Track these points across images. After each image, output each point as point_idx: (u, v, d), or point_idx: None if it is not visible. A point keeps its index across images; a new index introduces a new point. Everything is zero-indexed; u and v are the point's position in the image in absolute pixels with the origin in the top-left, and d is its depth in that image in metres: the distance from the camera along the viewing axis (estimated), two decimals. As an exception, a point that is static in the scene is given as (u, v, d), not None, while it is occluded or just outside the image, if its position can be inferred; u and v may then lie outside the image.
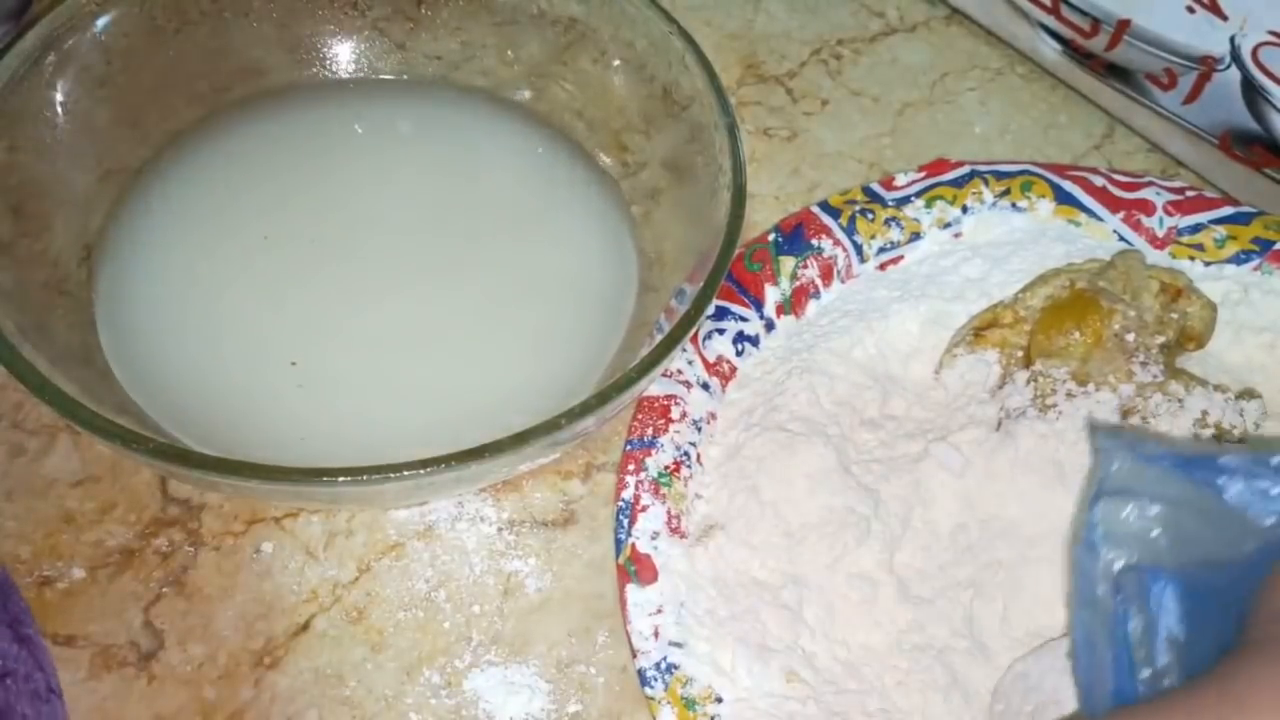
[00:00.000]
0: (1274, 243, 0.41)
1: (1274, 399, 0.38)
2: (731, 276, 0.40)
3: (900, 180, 0.43)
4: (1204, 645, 0.26)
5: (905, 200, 0.42)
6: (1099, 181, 0.43)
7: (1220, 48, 0.42)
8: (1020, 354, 0.38)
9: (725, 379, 0.39)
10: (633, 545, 0.35)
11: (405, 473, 0.29)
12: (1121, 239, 0.42)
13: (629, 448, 0.36)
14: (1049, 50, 0.49)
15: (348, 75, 0.43)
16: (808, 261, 0.41)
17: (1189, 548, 0.27)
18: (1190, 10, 0.42)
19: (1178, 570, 0.27)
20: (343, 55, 0.43)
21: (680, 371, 0.38)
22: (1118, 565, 0.28)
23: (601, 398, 0.31)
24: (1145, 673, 0.26)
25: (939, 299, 0.40)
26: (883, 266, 0.42)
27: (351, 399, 0.36)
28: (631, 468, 0.36)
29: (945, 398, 0.38)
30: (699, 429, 0.37)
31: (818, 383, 0.38)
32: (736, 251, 0.34)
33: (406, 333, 0.38)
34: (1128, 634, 0.27)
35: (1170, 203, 0.42)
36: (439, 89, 0.44)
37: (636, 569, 0.34)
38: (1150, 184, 0.43)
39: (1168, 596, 0.26)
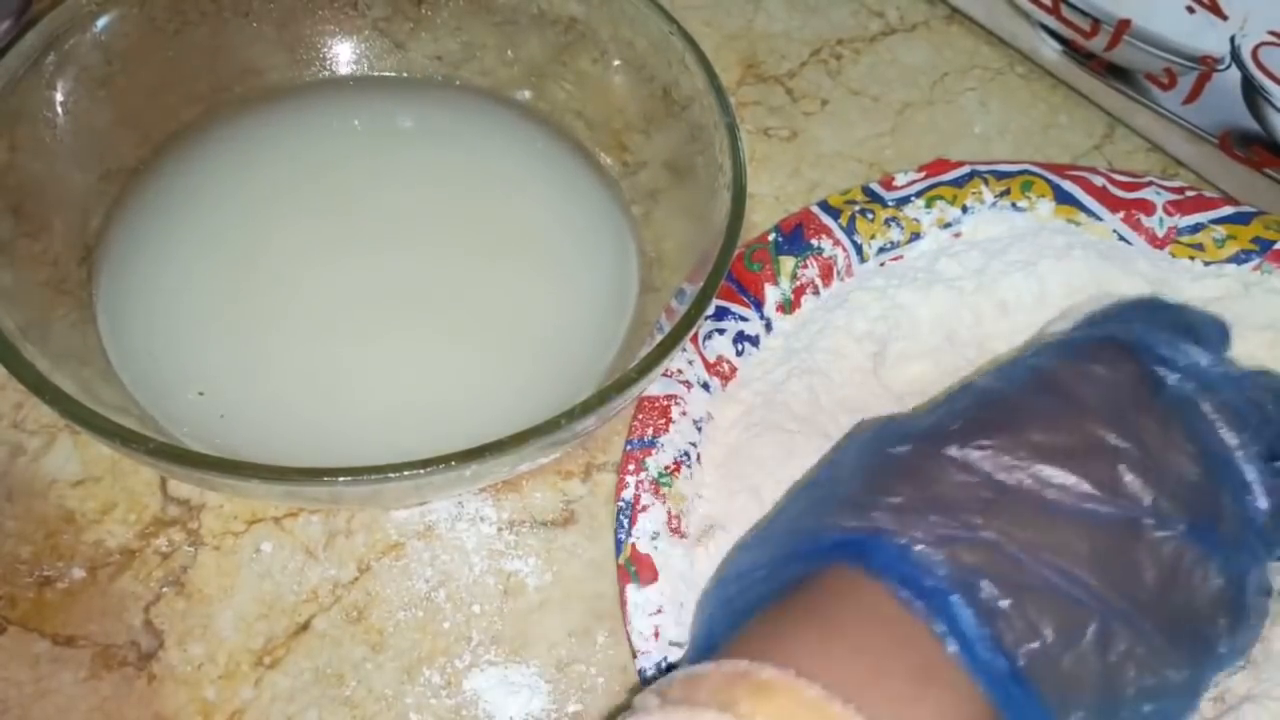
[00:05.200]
0: (1274, 242, 0.41)
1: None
2: (731, 276, 0.40)
3: (900, 180, 0.43)
4: None
5: (905, 200, 0.42)
6: (1099, 181, 0.43)
7: (1220, 48, 0.42)
8: None
9: (725, 379, 0.39)
10: (633, 545, 0.35)
11: (405, 473, 0.29)
12: (1121, 238, 0.42)
13: (629, 448, 0.36)
14: (1049, 50, 0.49)
15: (348, 74, 0.43)
16: (808, 261, 0.41)
17: None
18: (1190, 10, 0.42)
19: None
20: (343, 55, 0.43)
21: (680, 371, 0.38)
22: None
23: (601, 398, 0.31)
24: None
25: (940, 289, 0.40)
26: (882, 266, 0.42)
27: (351, 397, 0.36)
28: (631, 468, 0.36)
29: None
30: (699, 429, 0.37)
31: (817, 383, 0.38)
32: (736, 251, 0.34)
33: (405, 332, 0.38)
34: None
35: (1170, 202, 0.42)
36: (439, 89, 0.44)
37: (637, 569, 0.34)
38: (1150, 184, 0.43)
39: None
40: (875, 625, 0.25)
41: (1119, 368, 0.28)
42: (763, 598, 0.28)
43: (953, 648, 0.25)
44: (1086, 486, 0.26)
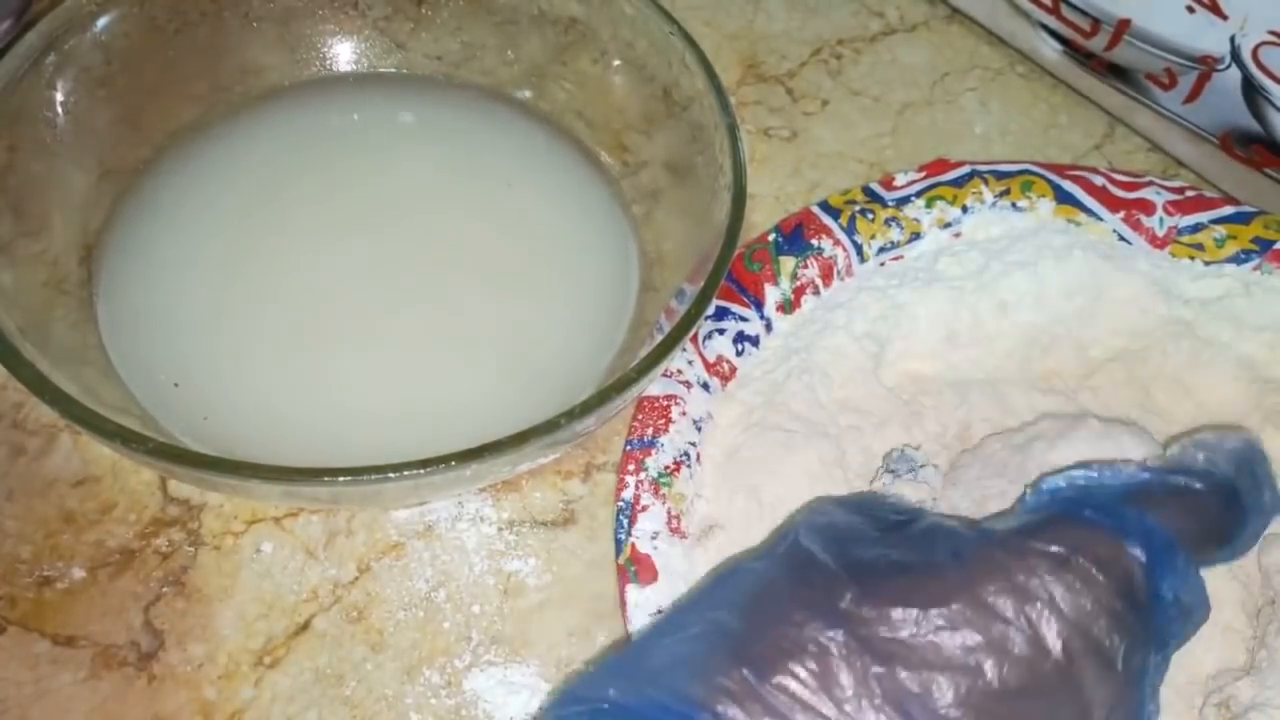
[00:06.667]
0: (1274, 242, 0.41)
1: (1275, 395, 0.38)
2: (731, 276, 0.40)
3: (900, 180, 0.43)
4: None
5: (905, 200, 0.42)
6: (1099, 181, 0.43)
7: (1220, 47, 0.42)
8: None
9: (725, 379, 0.39)
10: (633, 545, 0.35)
11: (405, 473, 0.29)
12: (1121, 238, 0.42)
13: (629, 448, 0.36)
14: (1049, 50, 0.49)
15: (348, 73, 0.43)
16: (808, 261, 0.41)
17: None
18: (1190, 10, 0.42)
19: None
20: (343, 55, 0.43)
21: (680, 371, 0.38)
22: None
23: (601, 398, 0.31)
24: None
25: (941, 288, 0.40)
26: (882, 266, 0.42)
27: (352, 397, 0.36)
28: (631, 468, 0.36)
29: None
30: (699, 429, 0.37)
31: (817, 382, 0.38)
32: (736, 251, 0.34)
33: (406, 332, 0.38)
34: None
35: (1170, 202, 0.42)
36: (439, 87, 0.44)
37: (636, 569, 0.34)
38: (1150, 184, 0.43)
39: None
40: None
41: (1104, 605, 0.25)
42: None
43: None
44: None
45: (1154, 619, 0.26)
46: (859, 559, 0.26)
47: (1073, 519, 0.26)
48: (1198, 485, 0.28)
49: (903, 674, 0.24)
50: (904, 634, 0.24)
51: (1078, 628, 0.24)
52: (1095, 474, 0.27)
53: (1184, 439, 0.30)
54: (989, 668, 0.24)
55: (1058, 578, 0.25)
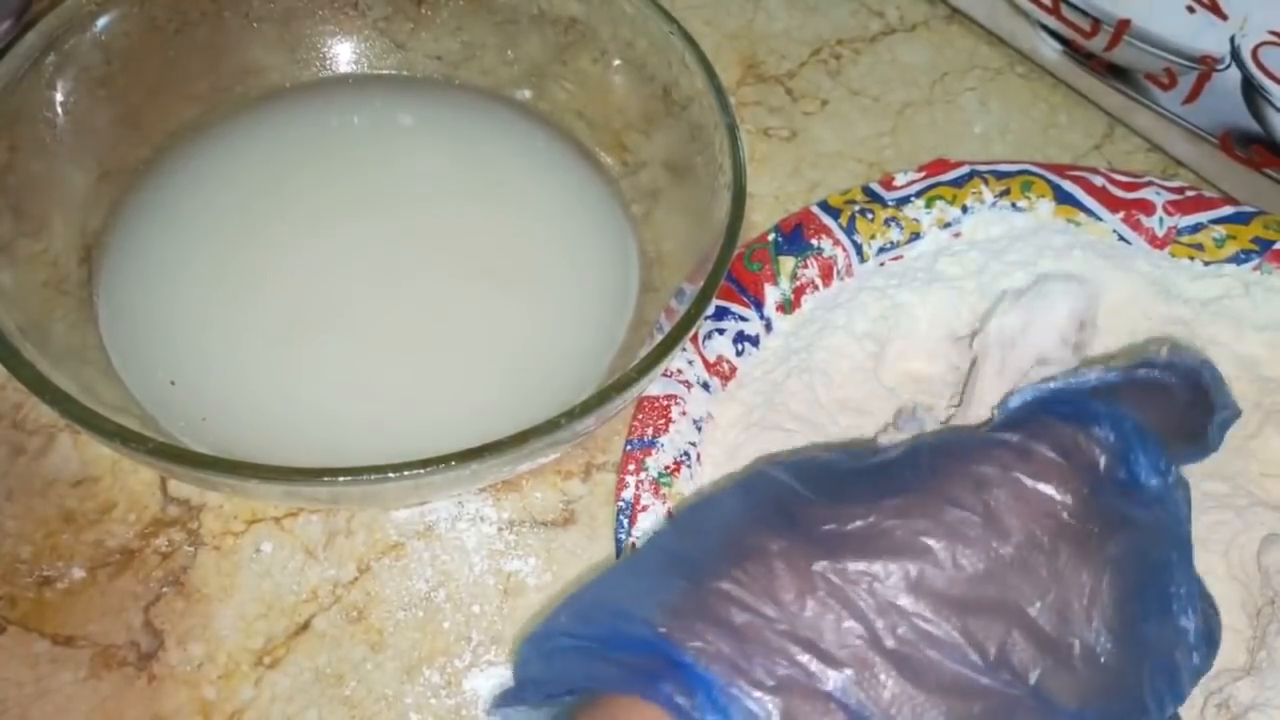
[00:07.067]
0: (1273, 242, 0.41)
1: (1275, 395, 0.38)
2: (731, 276, 0.40)
3: (900, 180, 0.43)
4: None
5: (905, 200, 0.42)
6: (1099, 181, 0.43)
7: (1220, 48, 0.42)
8: None
9: (725, 379, 0.39)
10: (633, 545, 0.35)
11: (405, 472, 0.29)
12: (1121, 238, 0.42)
13: (629, 448, 0.36)
14: (1049, 50, 0.49)
15: (348, 74, 0.43)
16: (808, 261, 0.41)
17: None
18: (1190, 10, 0.42)
19: None
20: (343, 55, 0.43)
21: (680, 371, 0.38)
22: None
23: (601, 398, 0.31)
24: None
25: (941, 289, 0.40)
26: (882, 266, 0.42)
27: (351, 397, 0.36)
28: (631, 468, 0.36)
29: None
30: (699, 429, 0.37)
31: (817, 382, 0.38)
32: (736, 251, 0.34)
33: (406, 331, 0.38)
34: None
35: (1170, 202, 0.42)
36: (439, 88, 0.44)
37: (636, 569, 0.34)
38: (1150, 184, 0.43)
39: None
40: None
41: (1069, 487, 0.24)
42: (567, 674, 0.24)
43: None
44: (971, 653, 0.23)
45: (1135, 506, 0.25)
46: (820, 478, 0.25)
47: (1037, 418, 0.25)
48: (1163, 376, 0.27)
49: (848, 566, 0.23)
50: (851, 527, 0.23)
51: (1039, 513, 0.24)
52: (1061, 383, 0.27)
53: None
54: (940, 551, 0.23)
55: (1017, 466, 0.24)
